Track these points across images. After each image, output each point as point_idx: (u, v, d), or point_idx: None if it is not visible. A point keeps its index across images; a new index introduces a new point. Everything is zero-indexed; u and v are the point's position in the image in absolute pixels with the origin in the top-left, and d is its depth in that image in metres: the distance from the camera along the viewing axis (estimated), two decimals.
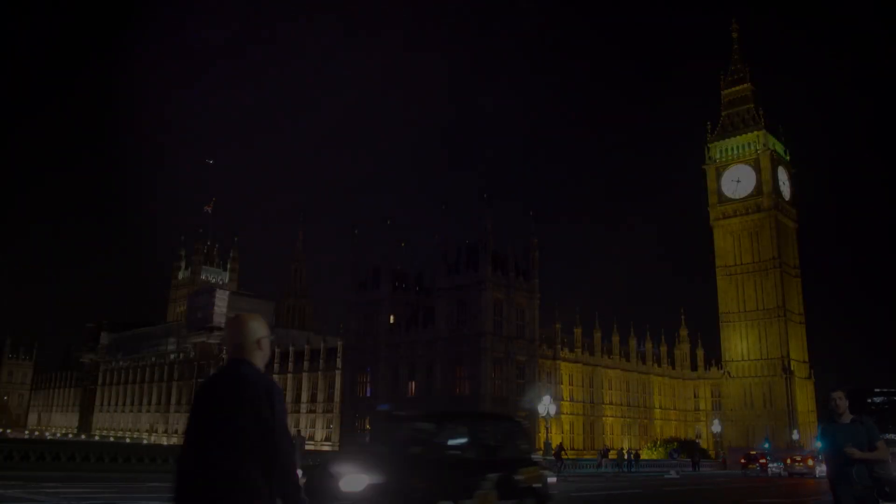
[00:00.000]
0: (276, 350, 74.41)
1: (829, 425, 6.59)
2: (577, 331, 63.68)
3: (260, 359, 3.26)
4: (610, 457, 46.98)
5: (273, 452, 2.99)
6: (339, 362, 65.21)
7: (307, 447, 60.87)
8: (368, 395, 59.91)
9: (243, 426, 2.99)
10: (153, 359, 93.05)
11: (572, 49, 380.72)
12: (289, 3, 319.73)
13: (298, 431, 34.88)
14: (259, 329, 3.30)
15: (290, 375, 70.75)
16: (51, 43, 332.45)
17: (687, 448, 58.21)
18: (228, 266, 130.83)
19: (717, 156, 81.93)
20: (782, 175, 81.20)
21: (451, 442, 9.46)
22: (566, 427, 61.02)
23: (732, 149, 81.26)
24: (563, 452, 41.68)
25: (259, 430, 2.99)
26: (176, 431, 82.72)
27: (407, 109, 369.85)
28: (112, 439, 79.08)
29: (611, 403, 65.83)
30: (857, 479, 6.18)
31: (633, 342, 69.41)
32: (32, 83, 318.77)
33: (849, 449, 6.15)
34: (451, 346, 54.18)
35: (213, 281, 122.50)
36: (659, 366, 72.16)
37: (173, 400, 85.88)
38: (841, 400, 6.46)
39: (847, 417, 6.44)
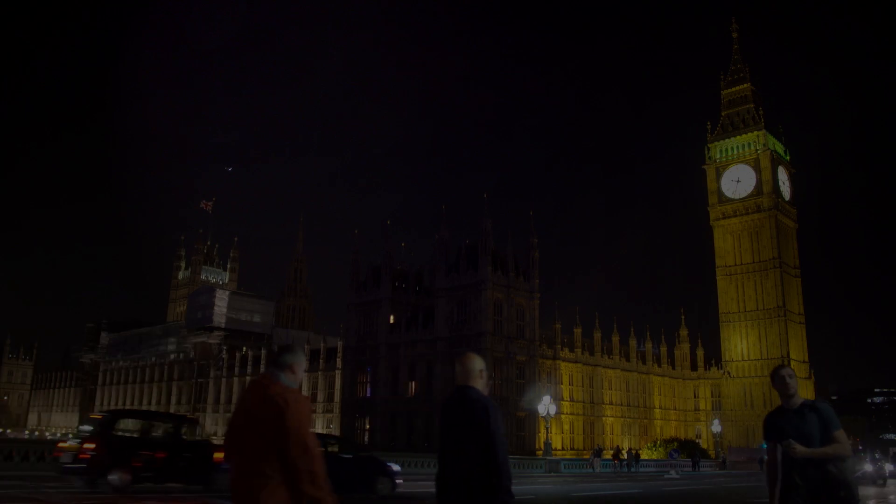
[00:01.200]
0: (277, 350, 74.38)
1: (771, 416, 5.09)
2: (577, 331, 63.66)
3: (482, 385, 4.27)
4: (604, 456, 46.81)
5: (493, 455, 3.92)
6: (339, 362, 65.19)
7: None
8: (368, 395, 59.89)
9: (472, 437, 3.98)
10: (153, 359, 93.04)
11: (573, 49, 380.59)
12: (290, 6, 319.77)
13: None
14: (480, 363, 4.38)
15: None
16: (51, 44, 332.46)
17: (687, 448, 58.18)
18: (228, 266, 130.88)
19: (717, 156, 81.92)
20: (782, 175, 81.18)
21: None
22: (566, 427, 61.00)
23: (732, 149, 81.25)
24: (621, 454, 42.17)
25: (482, 439, 3.95)
26: None
27: (407, 109, 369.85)
28: None
29: (611, 403, 65.81)
30: (801, 483, 4.70)
31: (633, 342, 69.39)
32: (34, 83, 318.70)
33: (788, 444, 4.70)
34: (451, 346, 54.14)
35: (213, 281, 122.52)
36: (659, 366, 72.14)
37: (173, 400, 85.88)
38: (791, 378, 4.97)
39: (796, 402, 4.93)
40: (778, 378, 5.01)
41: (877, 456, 33.87)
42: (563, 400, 59.44)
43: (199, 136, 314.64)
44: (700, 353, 76.93)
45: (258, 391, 3.67)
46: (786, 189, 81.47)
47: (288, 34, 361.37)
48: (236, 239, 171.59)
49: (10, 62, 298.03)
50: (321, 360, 68.34)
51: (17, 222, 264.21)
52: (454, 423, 4.11)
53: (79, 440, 14.77)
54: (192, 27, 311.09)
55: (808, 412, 4.85)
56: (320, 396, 67.93)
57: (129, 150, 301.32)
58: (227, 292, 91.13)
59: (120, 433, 15.28)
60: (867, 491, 24.47)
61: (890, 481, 33.15)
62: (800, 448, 4.69)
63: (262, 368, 73.80)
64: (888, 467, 38.54)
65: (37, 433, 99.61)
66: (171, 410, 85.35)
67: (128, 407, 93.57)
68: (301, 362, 3.95)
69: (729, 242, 79.26)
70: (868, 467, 30.50)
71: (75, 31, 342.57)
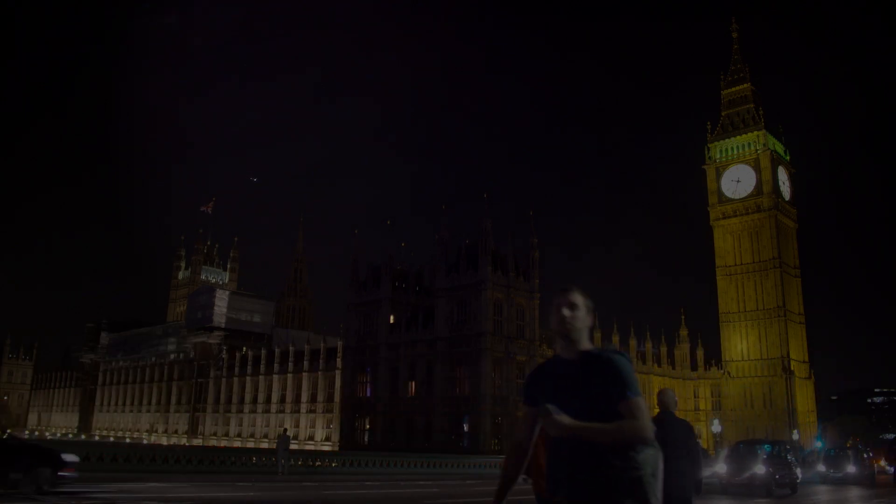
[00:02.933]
0: (277, 350, 74.46)
1: (536, 368, 3.22)
2: None
3: (674, 410, 6.85)
4: None
5: (697, 456, 6.61)
6: (339, 362, 65.18)
7: (307, 447, 60.97)
8: (368, 395, 59.89)
9: (685, 445, 6.45)
10: (153, 359, 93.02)
11: (574, 49, 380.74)
12: (289, 11, 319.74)
13: (285, 430, 34.89)
14: (675, 396, 7.10)
15: (290, 375, 70.69)
16: (52, 45, 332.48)
17: None
18: (228, 266, 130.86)
19: (717, 156, 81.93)
20: (782, 175, 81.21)
21: None
22: None
23: (732, 149, 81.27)
24: None
25: (689, 448, 6.50)
26: (176, 431, 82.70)
27: (407, 109, 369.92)
28: (112, 439, 79.15)
29: None
30: (561, 476, 2.93)
31: (633, 342, 69.40)
32: (35, 84, 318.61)
33: (543, 412, 2.86)
34: (451, 346, 54.16)
35: (213, 281, 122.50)
36: (659, 366, 72.14)
37: (173, 400, 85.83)
38: (573, 310, 3.08)
39: (576, 348, 3.05)
40: (553, 308, 3.14)
41: (786, 454, 22.99)
42: None
43: (199, 137, 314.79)
44: (700, 353, 76.92)
45: None
46: (786, 189, 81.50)
47: (287, 38, 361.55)
48: (236, 239, 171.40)
49: (9, 57, 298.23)
50: (321, 360, 68.32)
51: (16, 221, 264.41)
52: (664, 437, 5.83)
53: None
54: (195, 18, 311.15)
55: (591, 367, 2.96)
56: (320, 396, 67.90)
57: (130, 148, 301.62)
58: (227, 292, 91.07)
59: None
60: None
61: (827, 488, 26.11)
62: (560, 418, 2.83)
63: (263, 368, 73.85)
64: (818, 469, 30.58)
65: (37, 433, 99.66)
66: (171, 410, 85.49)
67: (127, 407, 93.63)
68: None
69: (729, 242, 79.28)
70: (760, 469, 19.83)
71: (76, 28, 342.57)
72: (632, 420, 2.81)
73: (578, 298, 3.11)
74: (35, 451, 15.09)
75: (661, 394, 6.86)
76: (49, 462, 14.28)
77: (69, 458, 14.88)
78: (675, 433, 6.33)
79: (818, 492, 24.34)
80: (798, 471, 22.94)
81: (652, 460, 2.90)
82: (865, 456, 30.95)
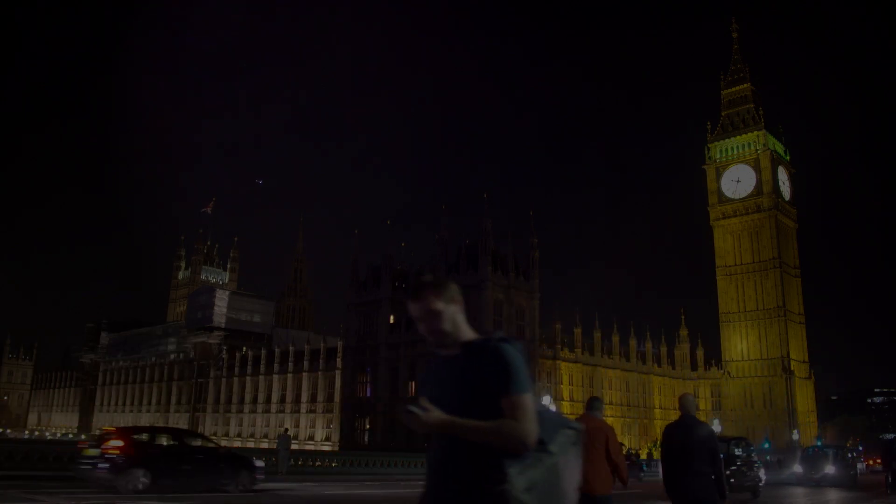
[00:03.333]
0: (277, 350, 74.45)
1: (426, 368, 2.92)
2: (577, 331, 63.67)
3: (694, 413, 7.10)
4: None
5: (716, 460, 6.62)
6: (339, 362, 65.18)
7: (307, 447, 60.96)
8: (368, 395, 59.90)
9: (707, 447, 6.59)
10: (153, 359, 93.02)
11: (573, 50, 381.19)
12: (292, 14, 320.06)
13: (286, 430, 34.81)
14: (694, 401, 7.30)
15: (290, 375, 70.71)
16: (52, 44, 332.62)
17: None
18: (228, 266, 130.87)
19: (717, 156, 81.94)
20: (782, 175, 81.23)
21: None
22: None
23: (732, 149, 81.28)
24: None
25: (710, 449, 6.59)
26: None
27: (407, 109, 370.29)
28: None
29: (611, 403, 65.79)
30: (427, 479, 2.64)
31: (633, 342, 69.42)
32: (35, 84, 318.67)
33: (408, 411, 2.42)
34: None
35: (213, 281, 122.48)
36: (659, 366, 72.13)
37: (173, 400, 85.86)
38: (433, 317, 2.73)
39: (458, 342, 2.73)
40: (415, 320, 2.76)
41: (749, 453, 20.22)
42: (562, 400, 59.45)
43: (198, 135, 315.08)
44: (700, 353, 76.92)
45: (588, 422, 6.31)
46: (786, 189, 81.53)
47: (287, 38, 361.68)
48: (236, 239, 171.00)
49: (10, 60, 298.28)
50: (321, 360, 68.32)
51: (16, 222, 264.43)
52: (687, 440, 6.68)
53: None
54: (195, 20, 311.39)
55: (474, 357, 2.59)
56: (320, 396, 67.90)
57: (130, 149, 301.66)
58: (227, 292, 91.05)
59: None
60: None
61: (802, 491, 24.33)
62: (426, 415, 2.41)
63: (263, 368, 73.88)
64: (794, 470, 28.80)
65: (37, 433, 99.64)
66: (171, 410, 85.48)
67: (127, 407, 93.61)
68: (602, 407, 6.92)
69: (729, 242, 79.30)
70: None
71: (76, 28, 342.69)
72: (511, 421, 2.34)
73: (434, 301, 2.69)
74: (237, 458, 17.97)
75: (681, 398, 7.31)
76: (247, 467, 17.32)
77: (259, 463, 18.14)
78: (695, 436, 6.71)
79: (788, 495, 22.11)
80: (762, 472, 21.08)
81: (532, 474, 2.39)
82: (850, 455, 29.15)
